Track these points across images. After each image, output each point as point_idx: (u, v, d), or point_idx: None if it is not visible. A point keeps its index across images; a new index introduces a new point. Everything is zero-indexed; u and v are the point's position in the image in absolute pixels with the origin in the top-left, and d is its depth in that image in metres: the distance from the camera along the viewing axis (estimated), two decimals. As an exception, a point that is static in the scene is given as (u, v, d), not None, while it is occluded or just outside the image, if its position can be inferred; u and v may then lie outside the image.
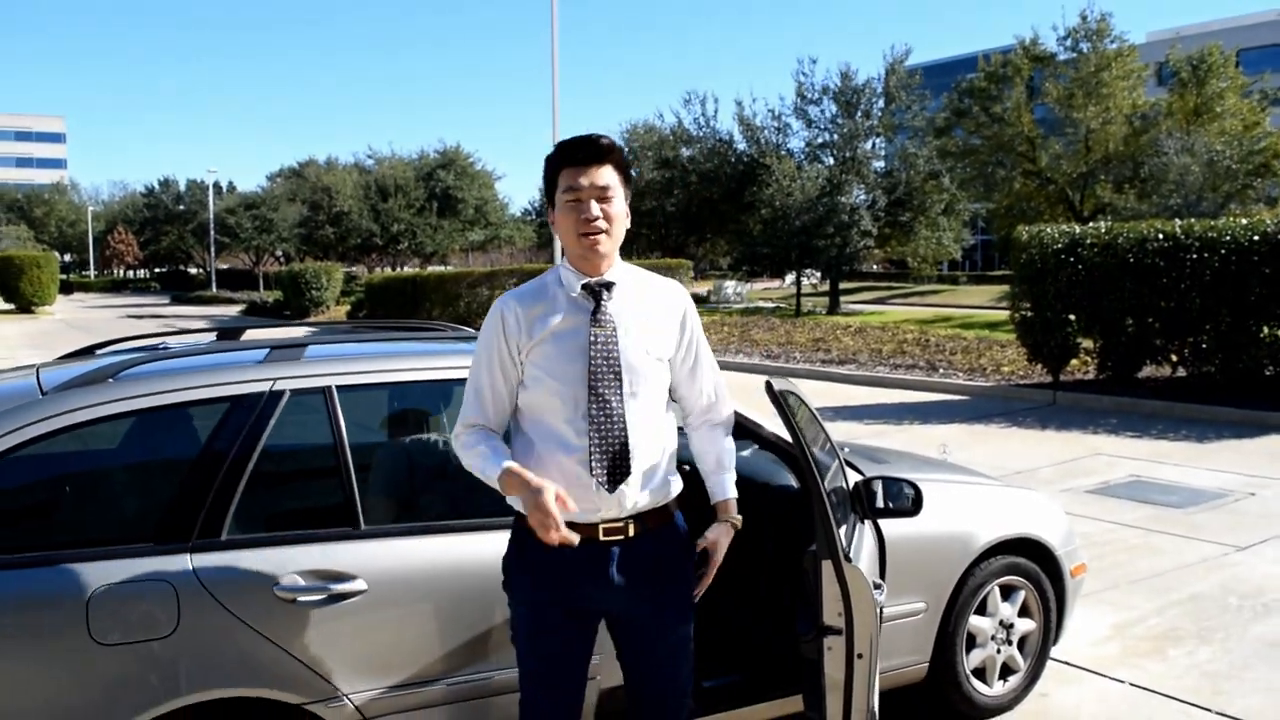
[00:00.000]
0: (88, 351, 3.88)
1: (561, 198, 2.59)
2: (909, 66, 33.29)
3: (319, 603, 2.92)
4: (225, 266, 72.38)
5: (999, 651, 4.24)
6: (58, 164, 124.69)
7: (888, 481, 3.55)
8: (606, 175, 2.59)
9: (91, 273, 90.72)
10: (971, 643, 4.17)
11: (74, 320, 36.81)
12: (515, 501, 2.56)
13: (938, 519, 3.95)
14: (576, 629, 2.65)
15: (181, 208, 77.40)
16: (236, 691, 2.82)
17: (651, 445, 2.65)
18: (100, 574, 2.74)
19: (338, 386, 3.15)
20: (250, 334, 4.03)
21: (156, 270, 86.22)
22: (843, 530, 3.12)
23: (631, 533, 2.64)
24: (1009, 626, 4.26)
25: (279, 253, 65.05)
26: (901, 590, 3.85)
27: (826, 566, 2.89)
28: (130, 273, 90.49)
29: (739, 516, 2.87)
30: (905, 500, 3.52)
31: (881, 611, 3.68)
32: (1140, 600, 5.69)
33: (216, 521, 2.89)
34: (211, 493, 2.91)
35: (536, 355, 2.59)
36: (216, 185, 72.78)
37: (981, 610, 4.18)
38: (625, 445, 2.58)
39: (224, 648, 2.82)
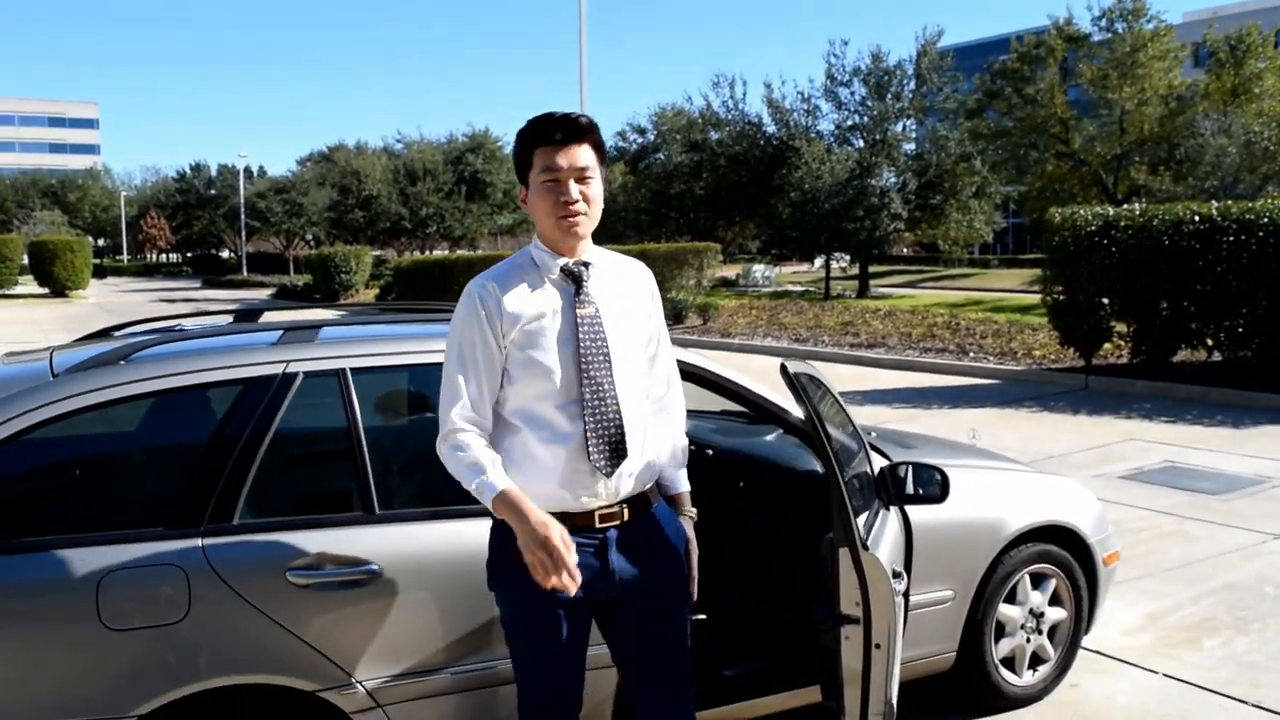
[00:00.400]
0: (105, 333, 3.85)
1: (537, 177, 2.50)
2: (941, 48, 32.90)
3: (332, 588, 2.87)
4: (256, 250, 72.77)
5: (1029, 641, 4.15)
6: (91, 149, 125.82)
7: (914, 467, 3.46)
8: (585, 155, 2.50)
9: (125, 257, 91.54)
10: (1000, 632, 4.08)
11: (107, 304, 37.10)
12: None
13: (967, 505, 3.86)
14: (574, 622, 2.57)
15: (213, 192, 77.94)
16: (248, 678, 2.78)
17: (642, 426, 2.59)
18: (111, 558, 2.70)
19: (352, 369, 3.09)
20: (269, 317, 3.98)
21: (188, 254, 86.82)
22: (864, 517, 3.04)
23: (626, 517, 2.57)
24: (1039, 615, 4.16)
25: (309, 237, 65.34)
26: (928, 578, 3.76)
27: (844, 554, 2.82)
28: (163, 257, 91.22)
29: (694, 509, 2.81)
30: (933, 486, 3.43)
31: (907, 600, 3.63)
32: (1174, 589, 5.57)
33: (228, 506, 2.84)
34: (223, 476, 2.86)
35: (521, 340, 2.49)
36: (247, 170, 73.32)
37: (1011, 599, 4.09)
38: (621, 427, 2.51)
39: (235, 634, 2.77)
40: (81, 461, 3.01)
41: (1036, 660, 4.21)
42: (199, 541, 2.79)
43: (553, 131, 2.47)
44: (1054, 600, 4.22)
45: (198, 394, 2.98)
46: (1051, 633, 4.23)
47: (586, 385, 2.48)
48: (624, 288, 2.63)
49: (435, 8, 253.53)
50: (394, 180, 56.22)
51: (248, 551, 2.83)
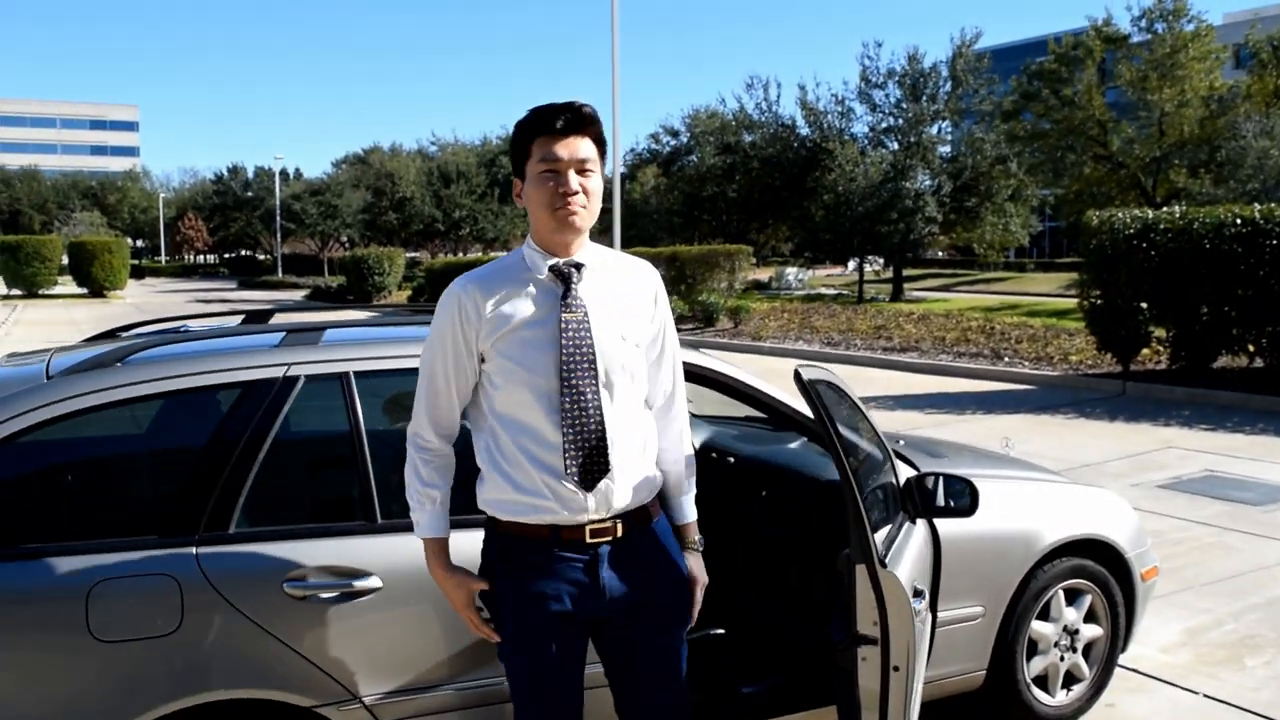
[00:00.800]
0: (112, 334, 3.76)
1: (535, 168, 2.37)
2: (977, 50, 32.55)
3: (331, 601, 2.76)
4: (291, 252, 73.26)
5: (1062, 659, 3.98)
6: (131, 152, 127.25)
7: (941, 478, 3.31)
8: (586, 147, 2.37)
9: (163, 258, 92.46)
10: (1033, 649, 3.91)
11: (143, 304, 37.42)
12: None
13: (998, 517, 3.70)
14: (568, 638, 2.45)
15: (249, 194, 78.54)
16: (242, 693, 2.68)
17: (631, 439, 2.45)
18: (101, 568, 2.60)
19: (356, 372, 2.98)
20: (280, 319, 3.88)
21: (225, 255, 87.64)
22: (885, 531, 2.90)
23: (620, 532, 2.44)
24: (1074, 633, 3.99)
25: (344, 238, 65.71)
26: (958, 593, 3.61)
27: (860, 571, 2.66)
28: (200, 258, 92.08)
29: (700, 538, 2.67)
30: (962, 499, 3.28)
31: (935, 616, 3.47)
32: (1215, 604, 5.37)
33: (224, 514, 2.74)
34: (220, 483, 2.75)
35: (503, 345, 2.37)
36: (283, 172, 73.76)
37: (1044, 615, 3.92)
38: (602, 440, 2.37)
39: (230, 647, 2.67)
40: (73, 466, 2.92)
41: (1070, 679, 4.04)
42: (193, 551, 2.68)
43: (554, 120, 2.35)
44: (1089, 617, 4.04)
45: (195, 397, 2.87)
46: (1086, 650, 4.06)
47: (566, 394, 2.35)
48: (620, 289, 2.49)
49: (470, 11, 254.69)
50: (428, 182, 56.50)
51: (244, 561, 2.72)
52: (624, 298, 2.48)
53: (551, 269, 2.40)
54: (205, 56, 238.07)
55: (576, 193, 2.35)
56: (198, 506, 2.73)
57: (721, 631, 3.78)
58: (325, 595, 2.75)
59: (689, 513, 2.67)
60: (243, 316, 3.84)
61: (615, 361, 2.41)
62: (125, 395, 2.77)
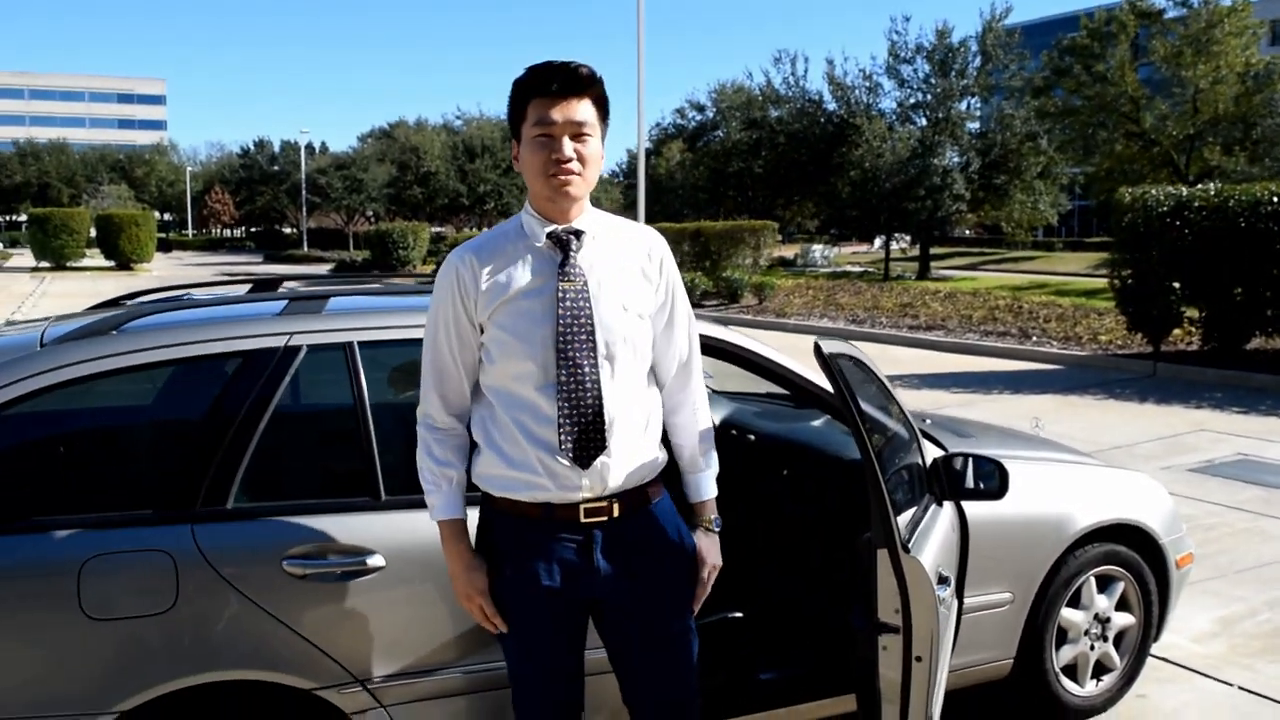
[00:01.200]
0: (115, 303, 3.66)
1: (530, 131, 2.24)
2: (1008, 25, 32.07)
3: (332, 579, 2.65)
4: (317, 226, 73.28)
5: (1093, 648, 3.83)
6: (158, 125, 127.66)
7: (970, 459, 3.16)
8: (584, 110, 2.24)
9: (190, 231, 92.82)
10: (1062, 638, 3.77)
11: (170, 277, 37.49)
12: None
13: (1028, 500, 3.55)
14: (561, 619, 2.34)
15: (276, 168, 78.60)
16: (240, 674, 2.57)
17: (632, 414, 2.33)
18: (93, 543, 2.50)
19: (360, 342, 2.85)
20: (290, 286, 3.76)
21: (251, 229, 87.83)
22: (909, 514, 2.76)
23: (616, 513, 2.32)
24: (1105, 621, 3.84)
25: (369, 212, 65.69)
26: (986, 579, 3.46)
27: (882, 556, 2.53)
28: (226, 231, 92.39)
29: (716, 518, 2.53)
30: (991, 480, 3.13)
31: (961, 604, 3.34)
32: (1249, 591, 5.21)
33: (222, 488, 2.62)
34: (217, 457, 2.64)
35: (500, 316, 2.26)
36: (309, 146, 73.73)
37: (1074, 602, 3.77)
38: (600, 415, 2.25)
39: (227, 626, 2.56)
40: (65, 438, 2.82)
41: (1101, 669, 3.89)
42: (189, 527, 2.57)
43: (549, 81, 2.21)
44: (1121, 605, 3.90)
45: (192, 367, 2.75)
46: (1118, 640, 3.91)
47: (563, 367, 2.23)
48: (622, 257, 2.36)
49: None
50: (452, 157, 56.37)
51: (242, 538, 2.61)
52: (626, 266, 2.35)
53: (550, 236, 2.27)
54: (233, 31, 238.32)
55: (570, 159, 2.22)
56: (194, 481, 2.62)
57: (740, 615, 3.65)
58: (326, 574, 2.64)
59: (706, 490, 2.54)
60: (249, 285, 3.73)
61: (616, 333, 2.28)
62: (118, 365, 2.65)
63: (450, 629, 2.76)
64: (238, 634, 2.57)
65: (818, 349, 2.52)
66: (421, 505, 2.74)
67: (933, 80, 32.13)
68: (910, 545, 2.55)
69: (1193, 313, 12.90)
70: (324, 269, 44.38)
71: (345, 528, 2.69)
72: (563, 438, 2.23)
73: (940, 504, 3.13)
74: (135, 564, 2.52)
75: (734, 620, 3.64)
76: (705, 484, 2.54)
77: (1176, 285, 12.55)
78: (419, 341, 2.91)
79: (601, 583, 2.33)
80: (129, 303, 3.59)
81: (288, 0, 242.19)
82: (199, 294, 3.58)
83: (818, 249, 40.79)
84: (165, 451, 2.83)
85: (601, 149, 2.30)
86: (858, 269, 35.20)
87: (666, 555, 2.41)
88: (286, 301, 3.00)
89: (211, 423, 2.69)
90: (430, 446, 2.38)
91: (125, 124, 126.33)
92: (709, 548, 2.50)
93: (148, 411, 2.94)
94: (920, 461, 3.14)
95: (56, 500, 2.62)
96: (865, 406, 2.60)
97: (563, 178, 2.22)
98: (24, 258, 40.76)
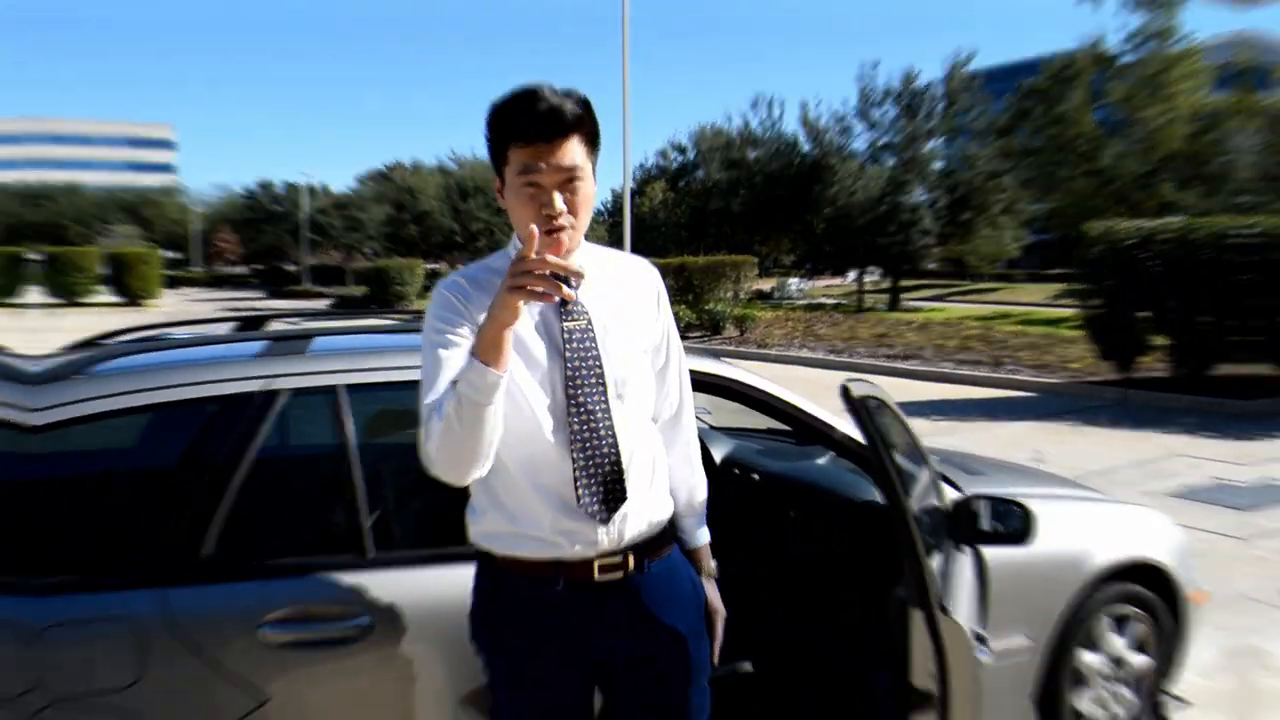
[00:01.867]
0: (91, 344, 3.29)
1: (515, 180, 1.89)
2: (971, 70, 32.15)
3: (314, 646, 2.29)
4: (318, 263, 72.88)
5: (1109, 692, 3.50)
6: (166, 168, 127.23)
7: (991, 501, 2.83)
8: (572, 153, 1.88)
9: (197, 269, 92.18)
10: (1078, 681, 3.43)
11: (176, 312, 36.94)
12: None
13: (1046, 540, 3.20)
14: (568, 682, 2.00)
15: (278, 208, 78.24)
16: None
17: (645, 459, 2.02)
18: (47, 612, 2.14)
19: (346, 386, 2.51)
20: (277, 326, 3.40)
21: (255, 266, 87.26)
22: (935, 563, 2.42)
23: (631, 567, 1.99)
24: (1121, 663, 3.51)
25: (367, 250, 65.40)
26: (1002, 624, 3.12)
27: (917, 616, 2.19)
28: (232, 268, 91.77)
29: (714, 564, 2.24)
30: (1014, 523, 2.80)
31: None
32: (1253, 621, 4.88)
33: (192, 547, 2.27)
34: (188, 512, 2.28)
35: None
36: (310, 188, 73.44)
37: (1090, 645, 3.44)
38: (618, 464, 1.93)
39: (196, 701, 2.20)
40: (22, 490, 2.44)
41: (1117, 714, 3.55)
42: (155, 591, 2.21)
43: (531, 127, 1.85)
44: (1137, 645, 3.57)
45: (161, 414, 2.40)
46: (1134, 682, 3.57)
47: (574, 414, 1.90)
48: (624, 291, 2.05)
49: (485, 33, 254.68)
50: (446, 197, 56.27)
51: (214, 602, 2.25)
52: (626, 301, 2.04)
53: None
54: (239, 77, 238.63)
55: (561, 213, 1.88)
56: (162, 539, 2.26)
57: (749, 668, 3.29)
58: (308, 640, 2.28)
59: (704, 534, 2.24)
60: (234, 324, 3.39)
61: (624, 372, 1.97)
62: (82, 412, 2.30)
63: (447, 699, 2.40)
64: (208, 710, 2.21)
65: (845, 392, 2.19)
66: (412, 563, 2.40)
67: (901, 122, 32.13)
68: (946, 603, 2.22)
69: (1161, 340, 12.67)
70: (324, 303, 43.98)
71: (329, 589, 2.33)
72: (580, 492, 1.91)
73: (959, 548, 2.80)
74: (94, 635, 2.15)
75: (744, 675, 3.28)
76: (702, 529, 2.24)
77: (1145, 315, 12.32)
78: (412, 384, 2.55)
79: (620, 640, 2.00)
80: (106, 342, 3.23)
81: (292, 50, 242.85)
82: (178, 333, 3.20)
83: (793, 282, 40.65)
84: (130, 507, 2.46)
85: (593, 185, 1.96)
86: (832, 301, 34.99)
87: (685, 610, 2.09)
88: (267, 342, 2.65)
89: (182, 474, 2.34)
90: (441, 419, 1.84)
91: (134, 167, 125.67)
92: (713, 597, 2.21)
93: (112, 462, 2.59)
94: (939, 504, 2.81)
95: (9, 561, 2.25)
96: (897, 456, 2.27)
97: (555, 234, 1.88)
98: (35, 295, 40.27)
